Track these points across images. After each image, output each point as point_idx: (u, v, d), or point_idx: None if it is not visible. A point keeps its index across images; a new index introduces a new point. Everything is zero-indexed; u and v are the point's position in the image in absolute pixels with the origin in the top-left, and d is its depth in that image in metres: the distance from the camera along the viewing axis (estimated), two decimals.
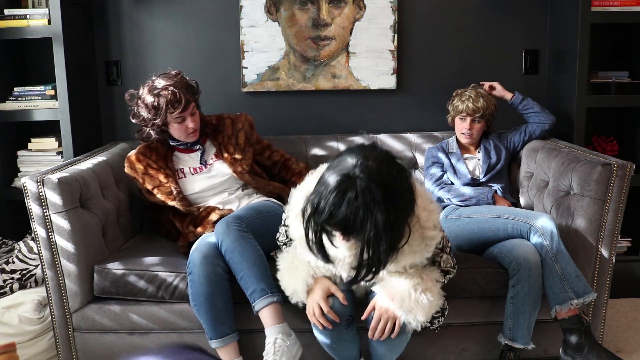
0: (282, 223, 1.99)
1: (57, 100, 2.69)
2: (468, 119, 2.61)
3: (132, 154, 2.42)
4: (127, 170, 2.41)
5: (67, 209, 2.12)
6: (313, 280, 1.89)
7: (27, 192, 2.13)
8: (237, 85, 3.00)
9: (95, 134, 2.98)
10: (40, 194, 2.10)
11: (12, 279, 2.40)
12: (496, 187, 2.58)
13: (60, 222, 2.12)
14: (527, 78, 3.05)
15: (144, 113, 2.31)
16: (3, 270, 2.41)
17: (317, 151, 2.84)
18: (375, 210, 1.53)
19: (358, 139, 2.85)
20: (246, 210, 2.22)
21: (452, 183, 2.61)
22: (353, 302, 1.93)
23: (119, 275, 2.18)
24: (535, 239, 2.14)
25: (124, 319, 2.20)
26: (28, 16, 2.67)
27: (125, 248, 2.39)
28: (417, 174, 2.81)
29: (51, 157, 2.79)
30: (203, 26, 2.96)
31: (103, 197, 2.35)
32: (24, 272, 2.43)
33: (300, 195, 1.80)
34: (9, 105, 2.74)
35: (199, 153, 2.43)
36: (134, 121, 2.37)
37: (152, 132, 2.35)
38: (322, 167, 1.72)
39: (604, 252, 2.22)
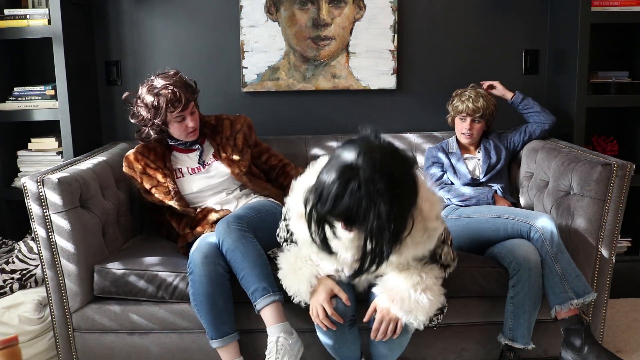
0: (283, 217, 1.97)
1: (57, 100, 2.69)
2: (468, 119, 2.61)
3: (130, 153, 2.41)
4: (125, 169, 2.41)
5: (67, 209, 2.12)
6: (317, 281, 1.88)
7: (27, 192, 2.12)
8: (237, 85, 3.00)
9: (95, 134, 2.98)
10: (40, 194, 2.10)
11: (12, 279, 2.40)
12: (496, 187, 2.58)
13: (60, 222, 2.12)
14: (527, 78, 3.05)
15: (143, 113, 2.30)
16: (3, 270, 2.41)
17: (317, 151, 2.84)
18: (379, 201, 1.51)
19: None
20: (246, 209, 2.22)
21: (452, 183, 2.61)
22: (355, 301, 1.93)
23: (119, 275, 2.18)
24: (535, 239, 2.13)
25: (124, 319, 2.19)
26: (28, 16, 2.67)
27: (125, 248, 2.39)
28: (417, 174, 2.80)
29: (51, 157, 2.79)
30: (203, 26, 2.96)
31: (103, 197, 2.35)
32: (24, 272, 2.43)
33: (301, 187, 1.77)
34: (9, 105, 2.74)
35: (197, 153, 2.43)
36: (133, 121, 2.37)
37: (151, 131, 2.34)
38: (323, 159, 1.71)
39: (604, 252, 2.22)
